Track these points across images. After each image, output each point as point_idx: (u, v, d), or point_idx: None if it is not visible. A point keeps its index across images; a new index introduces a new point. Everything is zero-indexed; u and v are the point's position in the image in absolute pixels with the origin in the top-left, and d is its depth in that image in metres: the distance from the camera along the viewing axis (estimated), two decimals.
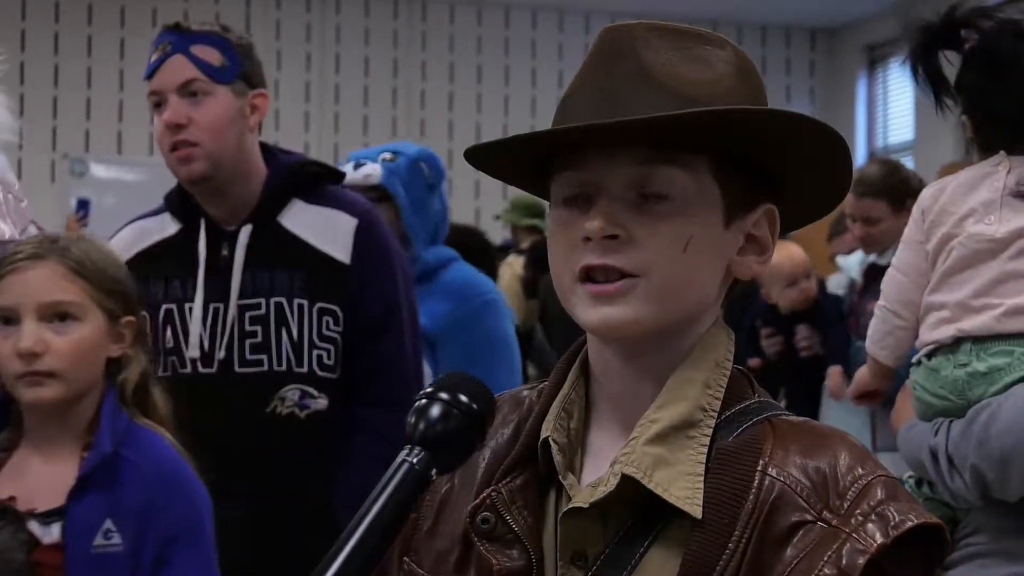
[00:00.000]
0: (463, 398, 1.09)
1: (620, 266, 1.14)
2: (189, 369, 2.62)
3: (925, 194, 2.45)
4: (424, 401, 1.10)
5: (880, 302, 2.53)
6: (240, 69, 2.63)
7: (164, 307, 2.64)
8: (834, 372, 4.29)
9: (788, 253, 4.44)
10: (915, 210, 2.44)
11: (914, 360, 2.42)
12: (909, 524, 1.08)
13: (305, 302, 2.60)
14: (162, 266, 2.67)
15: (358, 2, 10.03)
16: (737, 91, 1.17)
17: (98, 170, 9.60)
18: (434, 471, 1.07)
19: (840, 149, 1.18)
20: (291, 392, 2.59)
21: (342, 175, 2.86)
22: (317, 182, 2.73)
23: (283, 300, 2.60)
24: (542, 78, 10.15)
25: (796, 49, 10.96)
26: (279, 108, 9.82)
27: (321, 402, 2.59)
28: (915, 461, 2.37)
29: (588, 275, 1.16)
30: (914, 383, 2.40)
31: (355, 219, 2.65)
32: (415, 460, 1.06)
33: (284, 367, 2.59)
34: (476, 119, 10.18)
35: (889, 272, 2.51)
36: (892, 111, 10.45)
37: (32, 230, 2.41)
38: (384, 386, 2.64)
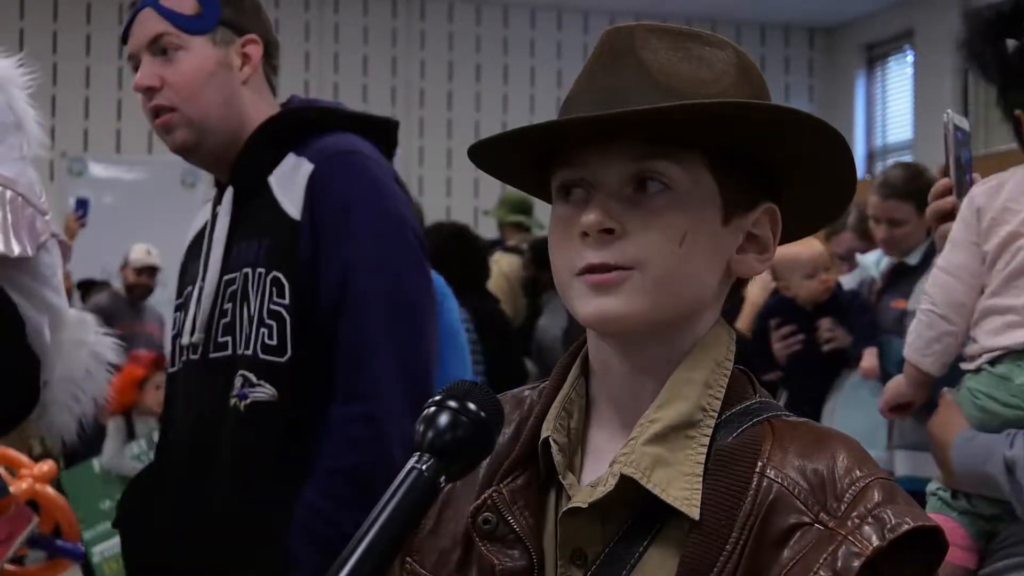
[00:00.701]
0: (472, 406, 1.09)
1: (615, 261, 1.15)
2: (185, 357, 2.31)
3: (977, 191, 2.29)
4: (433, 409, 1.10)
5: (925, 306, 2.37)
6: (219, 14, 2.29)
7: (187, 291, 2.34)
8: (870, 353, 4.21)
9: (806, 243, 4.40)
10: (965, 209, 2.29)
11: (972, 367, 2.28)
12: (905, 527, 1.08)
13: (263, 270, 2.19)
14: (197, 248, 2.38)
15: (357, 1, 10.04)
16: (736, 90, 1.18)
17: (97, 169, 9.61)
18: (443, 479, 1.07)
19: (836, 144, 1.18)
20: (237, 379, 2.18)
21: (365, 119, 2.42)
22: (310, 129, 2.32)
23: (249, 271, 2.21)
24: (541, 77, 10.16)
25: (795, 48, 10.97)
26: None
27: (263, 392, 2.14)
28: (977, 474, 2.21)
29: (588, 271, 1.16)
30: (973, 392, 2.25)
31: (312, 165, 2.22)
32: (424, 467, 1.06)
33: (241, 350, 2.19)
34: (475, 118, 10.19)
35: (935, 274, 2.36)
36: (891, 110, 10.46)
37: (52, 244, 2.32)
38: (345, 376, 2.16)
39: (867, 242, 4.84)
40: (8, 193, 2.28)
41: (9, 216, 2.27)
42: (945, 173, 2.38)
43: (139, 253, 7.44)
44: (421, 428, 1.09)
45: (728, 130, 1.16)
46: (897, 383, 2.48)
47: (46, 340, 2.24)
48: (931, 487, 2.33)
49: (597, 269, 1.15)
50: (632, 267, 1.15)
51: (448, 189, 9.99)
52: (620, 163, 1.16)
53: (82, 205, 7.38)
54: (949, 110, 2.39)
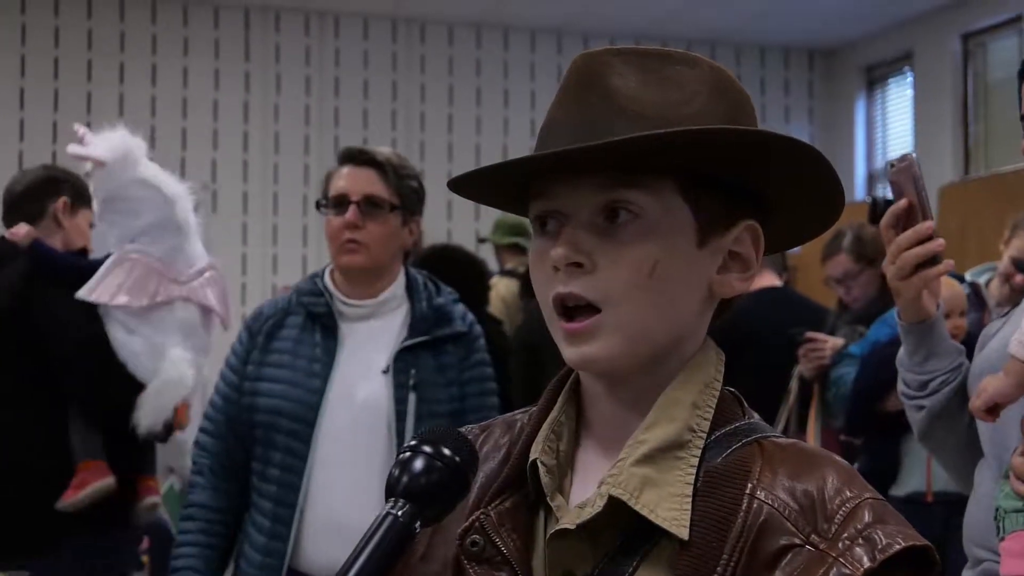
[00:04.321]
0: (446, 451, 1.10)
1: (584, 294, 1.15)
2: None
3: None
4: (408, 454, 1.11)
5: None
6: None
7: None
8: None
9: (946, 283, 4.21)
10: None
11: None
12: (896, 548, 1.07)
13: None
14: None
15: (357, 25, 10.06)
16: (709, 110, 1.17)
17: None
18: (418, 524, 1.08)
19: (812, 161, 1.17)
20: None
21: None
22: None
23: None
24: (541, 100, 10.17)
25: (795, 70, 10.98)
26: (279, 131, 9.84)
27: None
28: None
29: (562, 304, 1.17)
30: None
31: None
32: (399, 513, 1.07)
33: None
34: (476, 141, 10.20)
35: None
36: (891, 132, 10.46)
37: (183, 307, 3.70)
38: None
39: (863, 264, 4.80)
40: (133, 263, 3.64)
41: (126, 278, 3.63)
42: (913, 214, 2.25)
43: None
44: (396, 472, 1.09)
45: (696, 155, 1.15)
46: (999, 381, 2.18)
47: (144, 363, 3.59)
48: (1005, 503, 2.13)
49: (567, 299, 1.16)
50: (602, 305, 1.15)
51: (449, 212, 9.99)
52: (588, 194, 1.16)
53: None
54: (911, 151, 2.31)
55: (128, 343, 3.64)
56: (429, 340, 2.99)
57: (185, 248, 3.75)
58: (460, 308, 3.12)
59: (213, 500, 2.99)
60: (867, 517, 1.10)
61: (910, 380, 2.35)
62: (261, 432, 2.94)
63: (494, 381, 3.13)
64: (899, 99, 10.40)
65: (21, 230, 3.71)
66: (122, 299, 3.64)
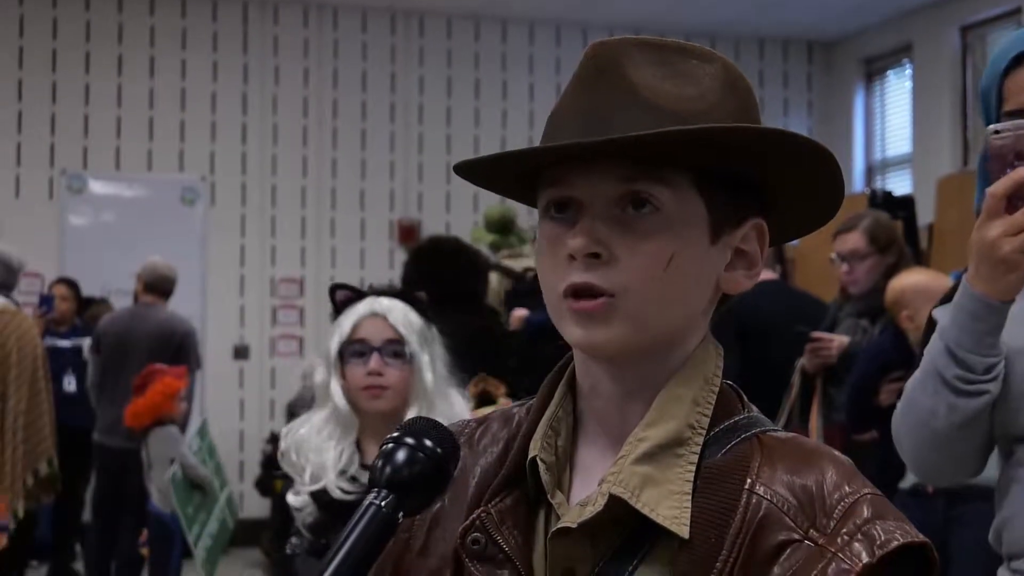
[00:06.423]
0: (428, 443, 1.12)
1: (601, 284, 1.14)
2: None
3: None
4: (391, 445, 1.12)
5: None
6: None
7: None
8: None
9: (937, 276, 4.24)
10: None
11: None
12: (895, 543, 1.07)
13: None
14: None
15: (355, 17, 10.06)
16: (722, 106, 1.17)
17: (96, 186, 9.62)
18: (401, 514, 1.10)
19: (826, 161, 1.18)
20: None
21: None
22: None
23: None
24: (539, 92, 10.17)
25: (794, 62, 10.98)
26: (277, 123, 9.83)
27: None
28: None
29: (575, 293, 1.16)
30: None
31: None
32: (383, 503, 1.09)
33: None
34: (474, 133, 10.19)
35: None
36: (889, 124, 10.46)
37: None
38: None
39: (874, 247, 4.74)
40: None
41: None
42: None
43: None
44: (379, 464, 1.11)
45: (715, 151, 1.15)
46: None
47: None
48: None
49: (581, 290, 1.15)
50: (615, 293, 1.14)
51: (448, 205, 10.00)
52: (607, 184, 1.15)
53: (46, 302, 7.74)
54: None
55: None
56: None
57: None
58: None
59: None
60: (866, 512, 1.10)
61: (976, 364, 2.08)
62: None
63: None
64: (898, 91, 10.41)
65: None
66: None
